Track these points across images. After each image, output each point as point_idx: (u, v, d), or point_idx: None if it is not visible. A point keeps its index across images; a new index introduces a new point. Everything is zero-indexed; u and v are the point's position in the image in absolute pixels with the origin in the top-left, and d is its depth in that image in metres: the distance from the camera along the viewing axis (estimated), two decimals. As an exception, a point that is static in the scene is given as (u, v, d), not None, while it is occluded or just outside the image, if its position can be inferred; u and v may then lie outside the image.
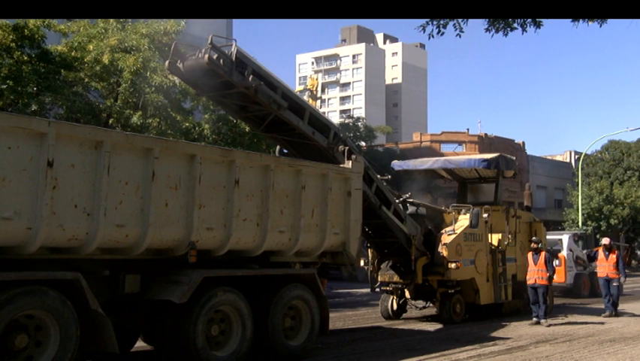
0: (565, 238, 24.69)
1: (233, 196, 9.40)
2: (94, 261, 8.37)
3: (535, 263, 15.42)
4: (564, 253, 23.25)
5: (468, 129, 56.29)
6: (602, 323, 15.85)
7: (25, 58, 17.91)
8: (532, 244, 15.77)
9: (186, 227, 8.84)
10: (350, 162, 11.78)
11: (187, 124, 21.11)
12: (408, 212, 14.89)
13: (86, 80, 19.39)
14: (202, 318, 8.96)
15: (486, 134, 54.74)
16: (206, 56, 10.08)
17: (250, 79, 10.63)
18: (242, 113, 11.85)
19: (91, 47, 18.99)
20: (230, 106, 11.78)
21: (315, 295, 10.87)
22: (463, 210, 15.86)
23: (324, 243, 10.99)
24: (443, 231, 15.38)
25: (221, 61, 10.34)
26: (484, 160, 16.38)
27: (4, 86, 16.78)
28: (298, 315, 10.67)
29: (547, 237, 22.49)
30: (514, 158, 17.76)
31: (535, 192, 54.44)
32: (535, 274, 15.44)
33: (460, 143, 54.15)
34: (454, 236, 15.07)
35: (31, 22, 17.71)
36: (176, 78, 16.32)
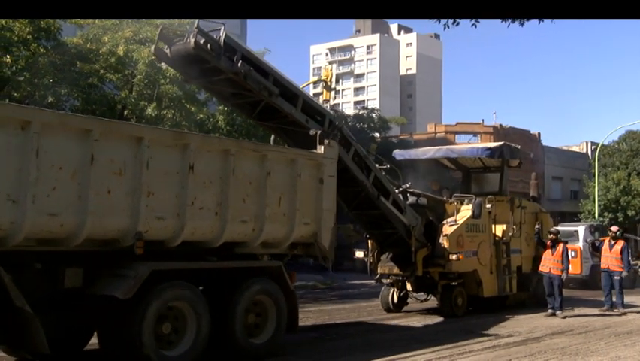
0: (581, 229, 24.45)
1: (188, 183, 8.74)
2: (24, 253, 7.63)
3: (553, 253, 15.33)
4: (580, 244, 22.92)
5: (483, 120, 55.86)
6: (619, 315, 15.62)
7: (42, 50, 18.01)
8: (551, 235, 15.58)
9: (132, 216, 8.19)
10: (322, 147, 11.06)
11: (201, 115, 21.19)
12: (408, 202, 14.65)
13: (101, 71, 19.45)
14: (150, 315, 8.29)
15: (501, 124, 54.21)
16: (193, 40, 9.88)
17: (239, 65, 10.41)
18: (232, 100, 11.64)
19: (106, 39, 19.05)
20: (220, 93, 11.59)
21: (282, 290, 10.19)
22: (466, 201, 15.58)
23: (293, 234, 10.32)
24: (445, 222, 15.11)
25: (209, 46, 10.14)
26: (488, 149, 16.12)
27: (21, 78, 16.93)
28: (264, 311, 10.02)
29: (564, 228, 22.37)
30: (519, 147, 17.43)
31: (551, 183, 54.02)
32: (550, 263, 15.33)
33: (474, 134, 53.68)
34: (455, 227, 14.79)
35: None
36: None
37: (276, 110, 11.50)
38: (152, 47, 10.71)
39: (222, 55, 10.21)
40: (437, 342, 11.39)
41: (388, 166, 14.50)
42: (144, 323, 8.21)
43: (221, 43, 10.17)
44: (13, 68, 16.81)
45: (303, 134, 12.06)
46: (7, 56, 16.73)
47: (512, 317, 14.89)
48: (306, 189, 10.52)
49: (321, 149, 11.08)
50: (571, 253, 21.19)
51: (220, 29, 10.29)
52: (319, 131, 11.27)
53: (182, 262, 9.03)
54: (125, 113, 19.68)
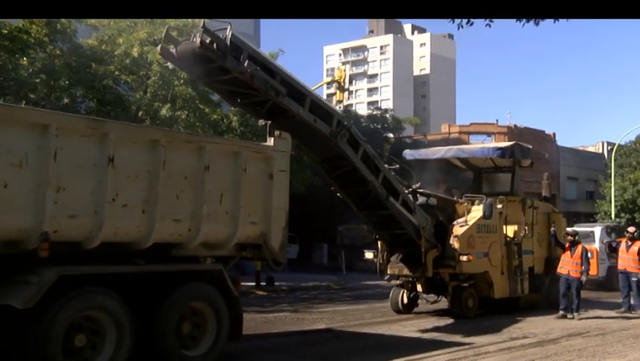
0: (597, 230, 24.23)
1: (107, 177, 7.78)
2: None
3: (572, 255, 15.13)
4: (596, 245, 22.70)
5: (497, 120, 55.70)
6: (638, 317, 15.40)
7: (58, 52, 18.25)
8: (569, 237, 15.42)
9: (36, 214, 7.21)
10: (272, 138, 10.02)
11: (215, 116, 21.31)
12: (418, 203, 14.54)
13: (116, 73, 19.66)
14: (58, 326, 7.29)
15: (515, 125, 53.96)
16: (199, 39, 9.84)
17: (246, 64, 10.36)
18: (239, 100, 11.57)
19: (121, 41, 19.25)
20: (226, 92, 11.52)
21: (223, 296, 9.18)
22: (477, 201, 15.44)
23: (237, 234, 9.30)
24: (455, 222, 14.99)
25: (215, 45, 10.09)
26: (499, 149, 15.99)
27: (38, 80, 17.17)
28: (202, 319, 9.04)
29: (579, 229, 22.16)
30: (531, 146, 17.27)
31: (566, 184, 53.60)
32: (569, 265, 15.16)
33: (489, 134, 53.43)
34: (466, 228, 14.66)
35: None
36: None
37: (284, 110, 11.41)
38: (158, 47, 10.66)
39: (228, 54, 10.15)
40: (451, 343, 11.34)
41: (398, 166, 14.38)
42: (50, 336, 7.23)
43: (228, 42, 10.11)
44: (30, 70, 17.00)
45: (312, 135, 12.03)
46: (24, 59, 16.94)
47: (526, 318, 14.73)
48: (253, 185, 9.52)
49: (270, 141, 10.04)
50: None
51: (226, 29, 10.25)
52: (269, 122, 10.39)
53: (97, 266, 7.94)
54: (140, 114, 19.84)
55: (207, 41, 9.95)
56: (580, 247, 15.22)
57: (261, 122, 10.67)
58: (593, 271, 21.19)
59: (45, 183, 7.29)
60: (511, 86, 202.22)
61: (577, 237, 15.54)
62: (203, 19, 10.15)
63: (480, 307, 15.31)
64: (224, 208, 9.16)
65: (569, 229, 16.13)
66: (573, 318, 14.75)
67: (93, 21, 19.99)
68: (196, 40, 9.89)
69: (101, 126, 8.07)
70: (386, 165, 13.69)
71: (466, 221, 14.86)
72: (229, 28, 10.23)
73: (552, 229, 16.18)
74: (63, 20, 18.02)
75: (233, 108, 21.86)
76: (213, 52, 10.03)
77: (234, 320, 9.40)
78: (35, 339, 7.18)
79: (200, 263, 9.47)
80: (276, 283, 23.42)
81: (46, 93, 17.78)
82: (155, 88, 19.70)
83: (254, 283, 23.06)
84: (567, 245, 15.37)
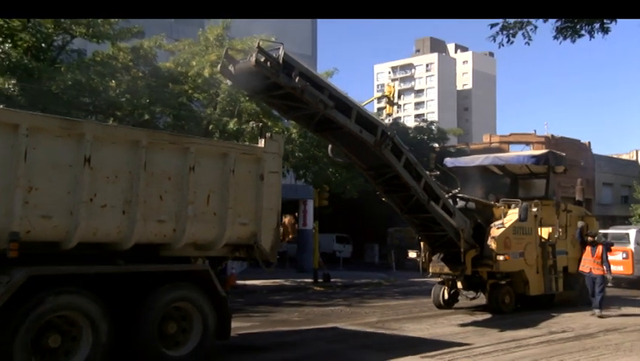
0: (632, 232, 23.38)
1: (83, 177, 7.17)
2: None
3: (593, 255, 14.59)
4: (631, 246, 21.87)
5: (535, 131, 54.30)
6: None
7: (140, 74, 18.76)
8: (589, 238, 14.86)
9: (5, 214, 6.66)
10: (263, 140, 9.40)
11: (277, 129, 21.45)
12: (457, 207, 14.25)
13: (190, 91, 20.04)
14: (27, 326, 6.66)
15: (552, 135, 52.48)
16: (254, 58, 9.86)
17: (297, 80, 10.33)
18: (292, 113, 11.56)
19: (194, 63, 19.58)
20: (280, 106, 11.52)
21: (209, 296, 8.40)
22: (513, 205, 15.03)
23: (226, 234, 8.60)
24: (492, 224, 14.63)
25: (269, 63, 10.10)
26: (534, 156, 15.63)
27: (123, 99, 17.63)
28: (189, 319, 8.29)
29: (614, 231, 21.55)
30: (564, 154, 16.70)
31: (602, 189, 51.81)
32: (590, 263, 14.59)
33: (527, 143, 52.18)
34: (502, 230, 14.31)
35: (146, 43, 18.72)
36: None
37: (332, 121, 11.35)
38: (218, 66, 10.71)
39: (281, 71, 10.15)
40: (493, 335, 11.15)
41: (438, 173, 14.13)
42: (18, 336, 6.60)
43: (280, 60, 10.09)
44: (117, 91, 17.55)
45: (358, 144, 11.92)
46: (113, 81, 17.48)
47: (562, 314, 14.25)
48: (242, 186, 8.83)
49: (261, 142, 9.40)
50: (622, 255, 20.38)
51: (279, 48, 10.26)
52: (261, 124, 10.10)
53: (70, 266, 7.26)
54: (210, 127, 20.17)
55: (262, 60, 9.95)
56: (600, 247, 14.59)
57: (252, 123, 10.36)
58: (628, 271, 20.54)
59: (14, 182, 6.73)
60: (548, 98, 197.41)
61: (596, 237, 14.91)
62: (259, 39, 10.17)
63: (516, 304, 14.86)
64: (211, 209, 8.49)
65: (593, 231, 15.47)
66: (594, 315, 14.07)
67: (170, 46, 20.58)
68: (251, 59, 9.90)
69: (75, 127, 7.42)
70: (427, 172, 13.46)
71: (502, 223, 14.51)
72: (282, 47, 10.24)
73: (579, 225, 15.58)
74: (145, 46, 18.67)
75: (293, 121, 22.01)
76: (267, 69, 10.02)
77: (222, 319, 8.58)
78: (2, 338, 6.58)
79: (188, 263, 8.71)
80: (331, 280, 23.34)
81: (130, 111, 18.31)
82: (224, 104, 19.98)
83: (312, 280, 23.06)
84: (588, 245, 14.78)
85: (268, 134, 9.55)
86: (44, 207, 6.93)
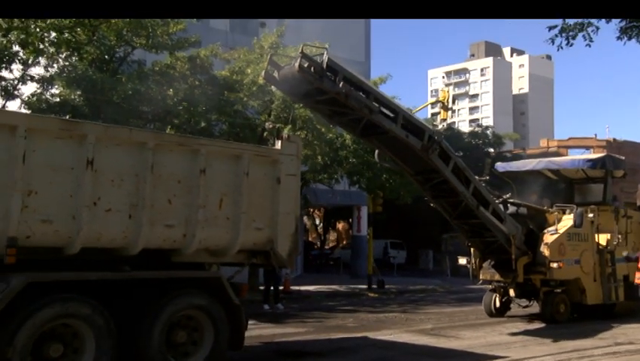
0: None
1: (86, 180, 6.80)
2: None
3: None
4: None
5: (595, 134, 52.43)
6: None
7: (197, 83, 18.96)
8: None
9: (3, 219, 6.34)
10: (279, 142, 8.83)
11: (330, 135, 21.45)
12: (508, 212, 13.71)
13: (245, 99, 20.11)
14: (25, 334, 6.32)
15: (614, 138, 50.52)
16: (297, 64, 9.75)
17: (341, 85, 10.15)
18: (336, 118, 11.39)
19: (249, 71, 19.71)
20: (324, 111, 11.34)
21: (222, 304, 7.86)
22: (567, 210, 14.34)
23: (239, 240, 8.07)
24: (545, 230, 13.99)
25: (312, 68, 9.96)
26: (590, 160, 14.86)
27: (180, 108, 17.92)
28: (199, 328, 7.78)
29: None
30: (624, 158, 15.83)
31: (666, 194, 49.31)
32: None
33: (587, 148, 50.33)
34: (556, 236, 13.66)
35: (202, 52, 18.93)
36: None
37: (378, 127, 11.12)
38: (262, 72, 10.66)
39: (325, 76, 9.99)
40: (553, 345, 10.70)
41: (488, 178, 13.64)
42: (16, 345, 6.28)
43: (324, 65, 9.95)
44: (175, 99, 17.83)
45: (405, 148, 11.63)
46: (170, 90, 17.82)
47: (625, 325, 13.43)
48: (257, 190, 8.29)
49: (278, 144, 8.85)
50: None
51: (323, 54, 10.12)
52: (277, 125, 9.50)
53: (71, 273, 6.87)
54: (265, 134, 20.24)
55: (305, 65, 9.85)
56: None
57: (268, 124, 10.10)
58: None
59: (12, 186, 6.38)
60: (609, 101, 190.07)
61: None
62: (302, 45, 10.06)
63: (572, 313, 14.17)
64: (224, 213, 7.96)
65: None
66: None
67: (226, 55, 20.74)
68: (295, 65, 9.81)
69: (76, 128, 7.02)
70: (477, 177, 13.00)
71: (556, 230, 13.86)
72: (325, 52, 10.12)
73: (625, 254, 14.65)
74: (202, 55, 18.87)
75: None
76: (311, 75, 9.90)
77: (235, 328, 8.02)
78: (0, 347, 6.27)
79: (200, 270, 8.24)
80: (386, 286, 23.00)
81: (187, 118, 18.56)
82: (278, 111, 20.03)
83: (366, 286, 22.78)
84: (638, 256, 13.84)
85: (285, 136, 9.05)
86: (45, 212, 6.61)
